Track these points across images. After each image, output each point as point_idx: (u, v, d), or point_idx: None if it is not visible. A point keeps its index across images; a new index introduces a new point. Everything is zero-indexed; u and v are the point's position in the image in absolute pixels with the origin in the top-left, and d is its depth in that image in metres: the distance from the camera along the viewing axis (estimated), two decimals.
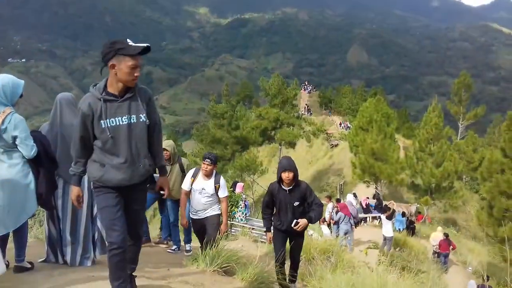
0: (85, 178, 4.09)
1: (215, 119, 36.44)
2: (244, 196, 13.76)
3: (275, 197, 4.94)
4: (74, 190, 3.22)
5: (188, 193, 5.34)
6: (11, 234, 3.86)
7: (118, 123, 3.05)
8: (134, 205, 3.31)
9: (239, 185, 13.39)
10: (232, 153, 34.90)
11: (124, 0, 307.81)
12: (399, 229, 18.61)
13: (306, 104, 62.77)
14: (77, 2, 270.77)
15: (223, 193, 5.31)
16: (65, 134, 4.03)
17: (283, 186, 4.86)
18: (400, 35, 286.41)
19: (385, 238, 14.37)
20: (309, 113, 58.65)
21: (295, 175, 4.80)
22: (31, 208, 3.71)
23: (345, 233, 13.45)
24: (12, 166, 3.53)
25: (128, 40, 3.02)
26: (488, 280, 12.43)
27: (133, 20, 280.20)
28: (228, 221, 11.34)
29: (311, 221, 4.91)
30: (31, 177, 3.67)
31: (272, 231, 5.18)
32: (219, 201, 5.38)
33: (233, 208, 11.60)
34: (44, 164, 3.78)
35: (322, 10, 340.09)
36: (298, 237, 5.08)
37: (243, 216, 12.76)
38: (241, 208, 12.61)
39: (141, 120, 3.12)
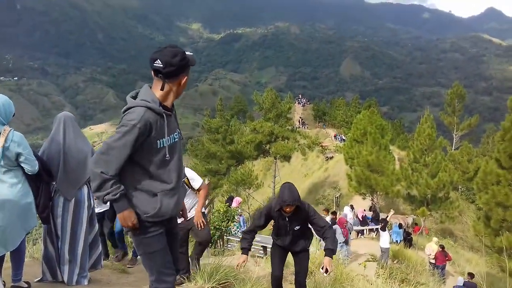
0: (84, 192, 4.06)
1: (210, 133, 36.39)
2: (239, 210, 13.65)
3: (274, 220, 4.42)
4: (131, 215, 2.53)
5: None
6: (7, 254, 3.79)
7: (174, 141, 2.68)
8: (175, 230, 2.95)
9: (236, 200, 13.28)
10: (227, 168, 34.74)
11: (115, 16, 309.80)
12: (396, 240, 18.57)
13: (300, 117, 63.07)
14: (68, 20, 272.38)
15: (197, 183, 4.79)
16: (68, 153, 3.98)
17: (283, 213, 4.29)
18: (392, 47, 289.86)
19: (382, 250, 14.35)
20: (303, 126, 58.86)
21: (298, 206, 4.19)
22: (30, 225, 3.68)
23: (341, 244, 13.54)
24: (14, 185, 3.50)
25: None
26: (472, 278, 12.54)
27: (124, 36, 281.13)
28: (225, 236, 11.37)
29: (334, 253, 4.30)
30: (31, 195, 3.65)
31: (248, 254, 4.33)
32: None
33: (229, 223, 11.47)
34: (44, 178, 3.77)
35: (313, 23, 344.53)
36: (300, 254, 4.56)
37: (238, 231, 12.65)
38: (237, 222, 12.49)
39: (179, 134, 2.79)
